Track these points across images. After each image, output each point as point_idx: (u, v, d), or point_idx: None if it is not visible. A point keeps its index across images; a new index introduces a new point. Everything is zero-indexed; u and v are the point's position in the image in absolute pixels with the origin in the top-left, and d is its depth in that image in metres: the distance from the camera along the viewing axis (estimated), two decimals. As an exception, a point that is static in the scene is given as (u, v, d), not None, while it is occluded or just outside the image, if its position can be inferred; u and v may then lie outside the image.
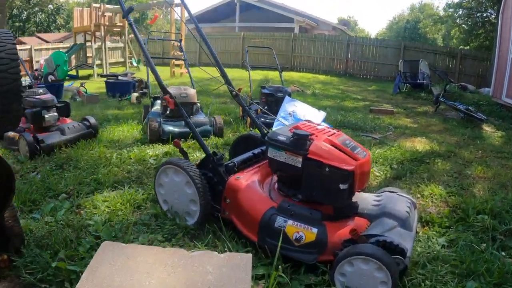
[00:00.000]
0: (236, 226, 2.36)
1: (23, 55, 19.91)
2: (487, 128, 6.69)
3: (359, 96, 10.89)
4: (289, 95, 5.88)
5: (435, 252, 2.34)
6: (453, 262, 2.21)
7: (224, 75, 3.08)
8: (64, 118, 4.72)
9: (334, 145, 2.18)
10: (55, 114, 4.44)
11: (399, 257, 1.86)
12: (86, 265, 1.88)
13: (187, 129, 4.49)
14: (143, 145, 4.45)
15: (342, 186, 2.05)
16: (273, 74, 12.99)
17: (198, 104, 5.21)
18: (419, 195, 3.32)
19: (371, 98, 10.64)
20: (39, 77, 9.40)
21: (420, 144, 5.16)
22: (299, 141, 2.13)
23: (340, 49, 17.75)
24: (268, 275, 2.02)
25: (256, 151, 2.79)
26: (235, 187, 2.36)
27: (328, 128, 2.45)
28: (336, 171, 2.05)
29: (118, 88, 9.81)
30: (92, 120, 4.72)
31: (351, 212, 2.25)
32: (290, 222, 2.11)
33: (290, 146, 2.16)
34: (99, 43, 16.00)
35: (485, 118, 6.99)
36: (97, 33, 16.25)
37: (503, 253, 2.39)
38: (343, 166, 2.06)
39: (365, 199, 2.38)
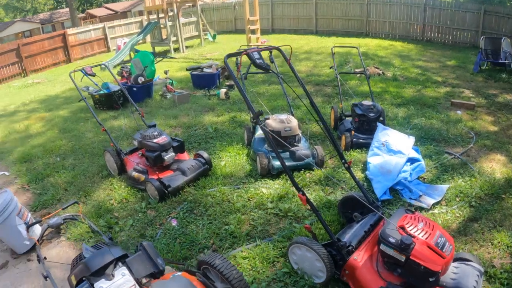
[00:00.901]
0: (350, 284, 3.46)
1: (96, 34, 21.84)
2: None
3: (440, 77, 11.27)
4: (380, 114, 6.59)
5: None
6: None
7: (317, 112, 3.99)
8: (179, 154, 5.93)
9: (429, 246, 3.13)
10: (173, 154, 5.72)
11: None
12: None
13: (294, 162, 5.53)
14: (256, 181, 5.56)
15: (430, 279, 3.04)
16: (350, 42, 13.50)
17: (300, 134, 6.13)
18: (489, 243, 4.12)
19: (452, 80, 11.11)
20: (128, 76, 10.63)
21: (498, 166, 5.79)
22: (405, 247, 3.10)
23: (416, 13, 17.70)
24: None
25: (366, 227, 3.80)
26: (353, 266, 3.46)
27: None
28: (428, 270, 3.04)
29: (204, 81, 10.95)
30: (205, 155, 5.89)
31: (435, 285, 3.24)
32: (390, 305, 3.18)
33: (398, 248, 3.14)
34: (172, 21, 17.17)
35: None
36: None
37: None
38: (434, 268, 3.04)
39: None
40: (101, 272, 2.78)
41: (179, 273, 2.86)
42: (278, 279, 3.77)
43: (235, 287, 2.77)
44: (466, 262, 3.52)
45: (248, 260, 4.02)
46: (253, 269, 3.91)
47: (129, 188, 5.58)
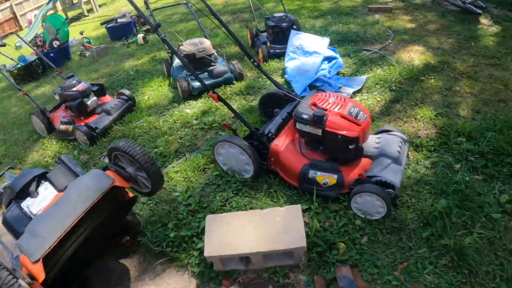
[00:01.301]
0: (281, 175, 3.65)
1: (4, 15, 19.98)
2: (484, 22, 7.48)
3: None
4: (293, 23, 6.68)
5: (419, 175, 3.62)
6: (432, 183, 3.50)
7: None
8: (101, 98, 5.86)
9: (343, 116, 3.34)
10: (95, 98, 5.61)
11: (390, 190, 3.16)
12: (192, 228, 3.26)
13: (213, 80, 5.61)
14: (179, 105, 5.59)
15: (350, 146, 3.27)
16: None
17: (215, 53, 6.15)
18: (413, 119, 4.47)
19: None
20: (43, 44, 10.26)
21: (416, 55, 6.12)
22: (318, 119, 3.28)
23: None
24: (309, 208, 3.37)
25: (284, 115, 3.95)
26: (276, 151, 3.60)
27: (335, 95, 3.56)
28: (345, 137, 3.24)
29: (120, 31, 10.73)
30: (127, 92, 5.87)
31: (359, 156, 3.49)
32: (319, 173, 3.39)
33: (312, 122, 3.32)
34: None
35: (484, 5, 7.70)
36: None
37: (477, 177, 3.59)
38: (351, 134, 3.24)
39: (367, 143, 3.60)
40: (26, 192, 2.91)
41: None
42: (210, 183, 3.86)
43: (141, 163, 2.85)
44: (388, 133, 3.78)
45: (180, 173, 4.10)
46: (186, 179, 4.00)
47: (60, 142, 5.56)
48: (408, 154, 3.95)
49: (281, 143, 3.64)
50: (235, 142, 3.60)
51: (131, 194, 3.10)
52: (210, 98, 5.44)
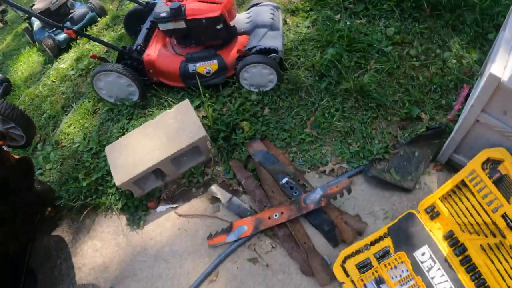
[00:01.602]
0: (166, 83, 3.39)
1: None
2: None
3: None
4: None
5: (302, 35, 3.48)
6: (316, 38, 3.38)
7: None
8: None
9: (201, 1, 3.05)
10: None
11: (274, 54, 3.01)
12: (101, 169, 3.01)
13: (75, 26, 5.05)
14: (53, 64, 5.03)
15: (219, 27, 3.03)
16: None
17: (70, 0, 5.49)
18: None
19: None
20: None
21: None
22: (176, 11, 2.98)
23: None
24: (202, 102, 3.19)
25: (147, 25, 3.61)
26: (150, 61, 3.30)
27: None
28: (209, 19, 2.99)
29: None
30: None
31: (233, 36, 3.28)
32: (198, 64, 3.16)
33: (172, 17, 3.02)
34: None
35: None
36: None
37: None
38: (213, 14, 2.99)
39: (239, 21, 3.38)
40: None
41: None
42: (104, 120, 3.55)
43: (3, 114, 2.64)
44: (258, 5, 3.53)
45: (73, 125, 3.74)
46: (81, 128, 3.66)
47: None
48: (285, 20, 3.79)
49: (152, 51, 3.34)
50: (108, 68, 3.26)
51: (16, 157, 2.75)
52: (80, 44, 4.93)
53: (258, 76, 3.09)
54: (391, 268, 2.34)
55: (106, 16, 5.33)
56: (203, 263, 2.57)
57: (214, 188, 2.78)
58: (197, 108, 3.18)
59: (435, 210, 2.39)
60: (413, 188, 2.66)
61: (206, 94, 3.15)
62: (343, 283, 2.32)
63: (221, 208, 2.77)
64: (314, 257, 2.43)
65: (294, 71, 3.25)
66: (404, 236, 2.39)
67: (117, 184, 2.73)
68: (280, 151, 2.89)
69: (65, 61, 4.84)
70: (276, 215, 2.52)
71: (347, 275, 2.35)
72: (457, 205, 2.33)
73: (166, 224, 2.81)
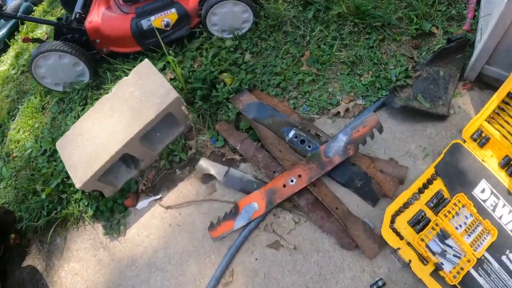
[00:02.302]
0: (119, 51, 2.55)
1: None
2: None
3: None
4: None
5: None
6: None
7: None
8: None
9: None
10: None
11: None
12: (60, 172, 2.21)
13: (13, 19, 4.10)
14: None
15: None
16: None
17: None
18: None
19: None
20: None
21: None
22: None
23: None
24: (167, 63, 2.36)
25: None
26: (94, 28, 2.44)
27: None
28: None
29: None
30: None
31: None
32: (152, 18, 2.33)
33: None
34: None
35: None
36: None
37: None
38: None
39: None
40: None
41: None
42: (55, 114, 2.68)
43: None
44: None
45: (22, 129, 2.85)
46: (31, 130, 2.79)
47: None
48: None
49: (95, 16, 2.47)
50: (45, 49, 2.40)
51: None
52: (18, 40, 3.98)
53: (229, 17, 2.29)
54: (453, 217, 1.67)
55: (43, 3, 4.36)
56: (210, 263, 1.82)
57: (203, 162, 2.00)
58: (162, 71, 2.36)
59: (483, 135, 1.81)
60: (448, 114, 1.95)
61: (170, 52, 2.32)
62: (398, 248, 1.61)
63: (218, 187, 2.00)
64: (354, 224, 1.70)
65: (272, 4, 2.45)
66: (456, 173, 1.78)
67: (77, 186, 1.93)
68: (276, 100, 2.12)
69: (5, 62, 3.90)
70: (292, 181, 1.77)
71: (401, 238, 1.63)
72: (509, 124, 1.78)
73: (152, 222, 2.04)
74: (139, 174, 2.14)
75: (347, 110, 2.03)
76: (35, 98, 2.97)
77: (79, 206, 2.22)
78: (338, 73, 2.17)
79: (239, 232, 1.81)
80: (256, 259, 1.77)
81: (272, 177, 1.84)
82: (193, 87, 2.10)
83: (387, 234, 1.66)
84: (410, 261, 1.61)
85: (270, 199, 1.76)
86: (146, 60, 2.11)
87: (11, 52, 3.96)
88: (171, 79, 2.23)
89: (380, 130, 1.78)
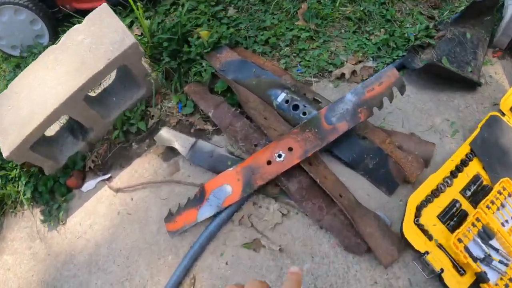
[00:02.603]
0: (83, 8, 2.02)
1: None
2: None
3: None
4: None
5: None
6: None
7: None
8: None
9: None
10: None
11: None
12: None
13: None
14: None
15: None
16: None
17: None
18: None
19: None
20: None
21: None
22: None
23: None
24: (135, 18, 1.85)
25: None
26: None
27: None
28: None
29: None
30: None
31: None
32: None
33: None
34: None
35: None
36: None
37: None
38: None
39: None
40: None
41: None
42: (7, 80, 2.18)
43: None
44: None
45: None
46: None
47: None
48: None
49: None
50: (-1, 2, 1.88)
51: None
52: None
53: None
54: (498, 209, 1.17)
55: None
56: (166, 265, 1.29)
57: (165, 132, 1.48)
58: (129, 28, 1.83)
59: None
60: (480, 84, 1.47)
61: (138, 4, 1.78)
62: (426, 252, 1.11)
63: (182, 165, 1.48)
64: (364, 218, 1.19)
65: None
66: (497, 152, 1.32)
67: (5, 155, 1.42)
68: (263, 59, 1.60)
69: None
70: (280, 156, 1.25)
71: (429, 238, 1.13)
72: None
73: (98, 208, 1.51)
74: (88, 148, 1.61)
75: (353, 72, 1.53)
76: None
77: (17, 186, 1.68)
78: (343, 31, 1.67)
79: (206, 226, 1.28)
80: (227, 263, 1.24)
81: (252, 152, 1.32)
82: (160, 41, 1.57)
83: (410, 232, 1.16)
84: (442, 270, 1.11)
85: (248, 180, 1.24)
86: (104, 4, 1.58)
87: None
88: (137, 36, 1.70)
89: (402, 89, 1.28)
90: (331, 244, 1.23)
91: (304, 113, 1.36)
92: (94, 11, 1.61)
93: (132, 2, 1.69)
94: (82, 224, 1.51)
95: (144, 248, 1.33)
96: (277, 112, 1.40)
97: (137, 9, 1.62)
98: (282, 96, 1.40)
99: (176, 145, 1.42)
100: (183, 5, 1.87)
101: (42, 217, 1.61)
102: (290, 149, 1.24)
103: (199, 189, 1.29)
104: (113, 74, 1.75)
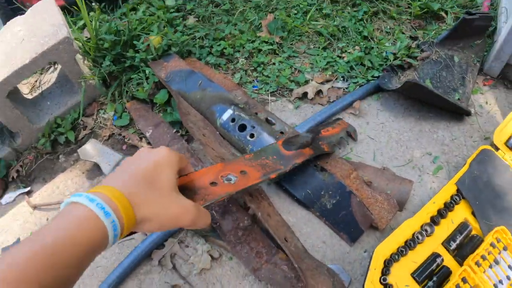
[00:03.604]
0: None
1: None
2: None
3: None
4: None
5: None
6: None
7: None
8: None
9: None
10: None
11: None
12: None
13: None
14: None
15: None
16: None
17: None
18: None
19: None
20: None
21: None
22: None
23: None
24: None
25: None
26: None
27: None
28: None
29: None
30: None
31: None
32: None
33: None
34: None
35: None
36: None
37: None
38: None
39: None
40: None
41: None
42: None
43: None
44: None
45: None
46: None
47: None
48: None
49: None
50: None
51: None
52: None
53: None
54: (490, 267, 0.87)
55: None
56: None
57: (90, 146, 1.18)
58: (81, 30, 1.57)
59: None
60: (470, 113, 1.21)
61: (93, 5, 1.53)
62: (395, 328, 0.78)
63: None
64: (314, 272, 0.87)
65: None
66: (489, 194, 1.04)
67: None
68: (216, 72, 1.33)
69: None
70: (228, 179, 0.90)
71: (399, 307, 0.81)
72: None
73: (13, 226, 1.18)
74: (16, 156, 1.30)
75: (318, 92, 1.25)
76: None
77: None
78: (311, 46, 1.41)
79: (119, 263, 0.95)
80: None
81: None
82: (103, 43, 1.31)
83: (373, 295, 0.84)
84: None
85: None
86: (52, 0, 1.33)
87: None
88: (87, 38, 1.44)
89: (355, 134, 1.01)
90: (270, 305, 0.90)
91: (252, 135, 1.06)
92: (38, 3, 1.36)
93: (80, 1, 1.44)
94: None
95: None
96: (220, 132, 1.10)
97: (86, 9, 1.37)
98: (228, 114, 1.11)
99: (100, 161, 1.11)
100: (137, 10, 1.63)
101: None
102: (243, 172, 0.92)
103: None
104: (54, 77, 1.48)
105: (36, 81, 1.54)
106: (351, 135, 1.13)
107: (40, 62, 1.16)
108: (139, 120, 1.23)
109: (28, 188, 1.25)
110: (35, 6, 1.36)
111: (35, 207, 1.19)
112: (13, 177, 1.28)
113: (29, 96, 1.47)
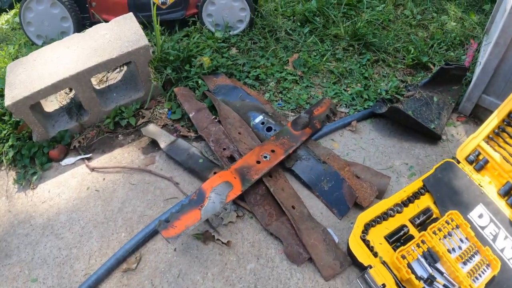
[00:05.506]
0: (107, 19, 2.12)
1: None
2: None
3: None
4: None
5: None
6: None
7: None
8: None
9: None
10: None
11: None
12: None
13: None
14: None
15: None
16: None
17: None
18: None
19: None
20: None
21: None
22: None
23: None
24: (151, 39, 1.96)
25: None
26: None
27: None
28: None
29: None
30: None
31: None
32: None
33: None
34: None
35: None
36: None
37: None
38: None
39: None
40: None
41: None
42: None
43: None
44: None
45: None
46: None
47: None
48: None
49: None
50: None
51: None
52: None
53: (226, 11, 1.96)
54: (444, 237, 1.11)
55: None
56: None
57: (152, 127, 1.49)
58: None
59: (481, 157, 1.36)
60: (441, 137, 1.49)
61: (157, 26, 1.91)
62: (369, 267, 1.02)
63: (158, 160, 1.45)
64: (310, 230, 1.13)
65: (271, 19, 2.13)
66: (448, 191, 1.28)
67: (6, 103, 1.40)
68: (252, 90, 1.66)
69: (1, 19, 3.48)
70: (265, 156, 1.24)
71: (374, 254, 1.04)
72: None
73: (70, 181, 1.45)
74: (79, 130, 1.60)
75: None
76: (13, 48, 2.51)
77: (2, 147, 1.62)
78: (324, 80, 1.75)
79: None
80: (175, 249, 1.16)
81: (221, 154, 1.30)
82: (167, 56, 1.66)
83: (356, 245, 1.09)
84: (384, 285, 1.01)
85: (244, 176, 1.21)
86: (130, 13, 1.70)
87: (11, 12, 3.58)
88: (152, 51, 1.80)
89: (335, 109, 1.44)
90: (278, 251, 1.14)
91: (275, 135, 1.38)
92: (120, 16, 1.70)
93: (154, 22, 1.80)
94: (51, 192, 1.43)
95: (101, 223, 1.26)
96: (252, 130, 1.42)
97: (156, 26, 1.73)
98: (259, 118, 1.43)
99: (158, 139, 1.41)
100: (193, 38, 2.00)
101: (15, 177, 1.53)
102: (273, 151, 1.24)
103: (196, 192, 1.20)
104: (119, 76, 1.81)
105: (103, 76, 1.87)
106: (333, 111, 1.49)
107: (122, 59, 1.47)
108: (184, 103, 1.53)
109: (90, 155, 1.53)
110: (117, 19, 1.68)
111: (93, 169, 1.46)
112: (74, 146, 1.56)
113: (97, 87, 1.79)
